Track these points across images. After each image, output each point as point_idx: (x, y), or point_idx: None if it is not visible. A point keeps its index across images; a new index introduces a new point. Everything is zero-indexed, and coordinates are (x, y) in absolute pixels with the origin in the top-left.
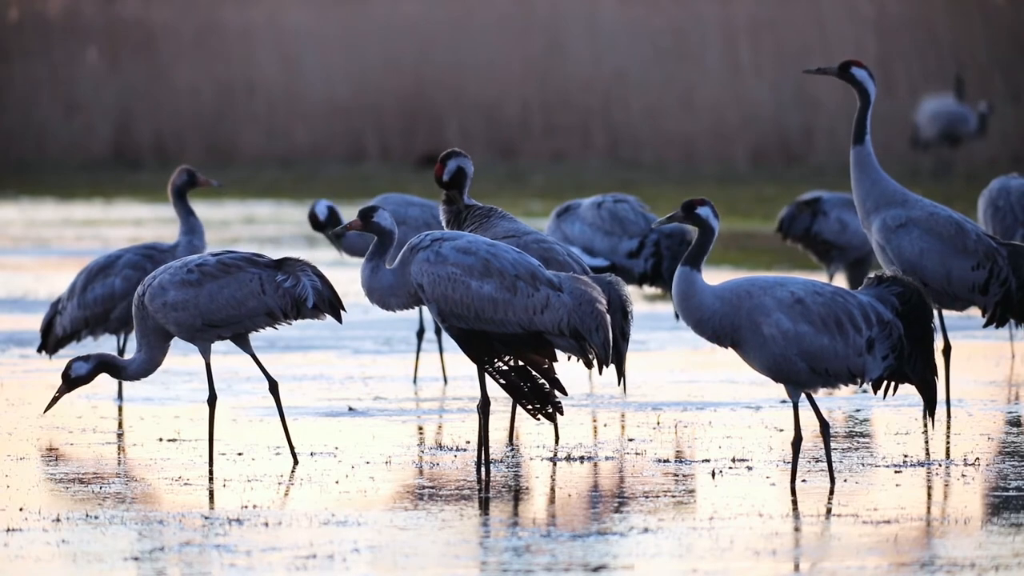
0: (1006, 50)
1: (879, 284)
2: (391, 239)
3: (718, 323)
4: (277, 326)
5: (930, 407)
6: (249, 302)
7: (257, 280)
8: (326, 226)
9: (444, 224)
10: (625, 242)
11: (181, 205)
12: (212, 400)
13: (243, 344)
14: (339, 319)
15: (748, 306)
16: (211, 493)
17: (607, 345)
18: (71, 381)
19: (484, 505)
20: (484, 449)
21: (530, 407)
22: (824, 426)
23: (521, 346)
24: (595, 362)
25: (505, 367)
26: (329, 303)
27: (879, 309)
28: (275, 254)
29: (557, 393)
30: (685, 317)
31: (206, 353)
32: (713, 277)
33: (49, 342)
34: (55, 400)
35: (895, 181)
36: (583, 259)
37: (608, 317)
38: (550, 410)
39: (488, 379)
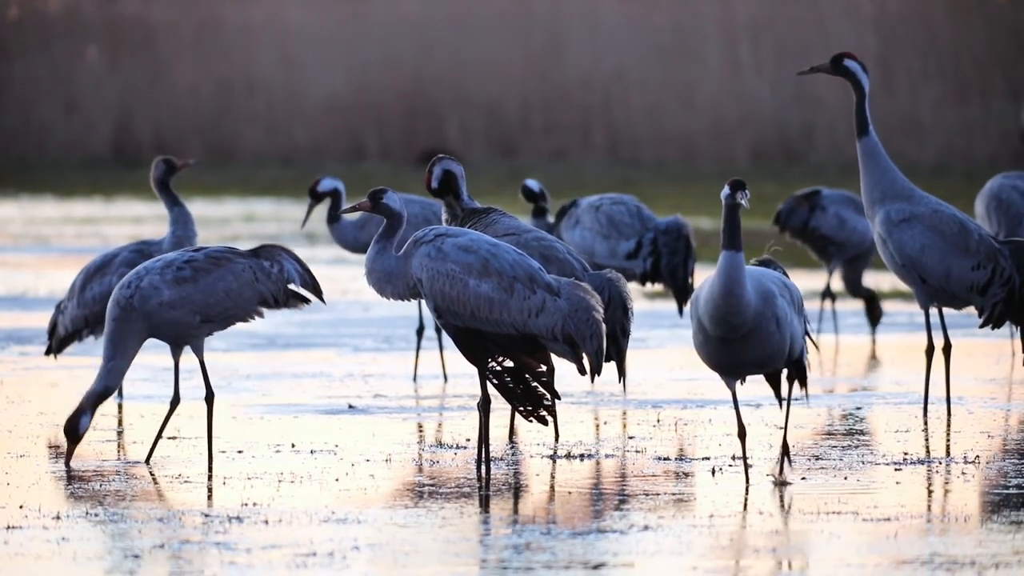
0: (1006, 49)
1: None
2: (400, 221)
3: (754, 309)
4: (265, 314)
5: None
6: (245, 292)
7: (250, 270)
8: (322, 197)
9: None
10: (623, 244)
11: (166, 196)
12: (210, 398)
13: (176, 350)
14: (322, 299)
15: (763, 291)
16: (210, 491)
17: (600, 354)
18: (80, 437)
19: (484, 503)
20: (484, 447)
21: (521, 409)
22: (742, 431)
23: (515, 348)
24: (587, 369)
25: (499, 368)
26: (312, 284)
27: None
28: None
29: (550, 397)
30: (731, 305)
31: (199, 351)
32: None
33: (53, 343)
34: (70, 455)
35: (903, 175)
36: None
37: (604, 326)
38: (542, 413)
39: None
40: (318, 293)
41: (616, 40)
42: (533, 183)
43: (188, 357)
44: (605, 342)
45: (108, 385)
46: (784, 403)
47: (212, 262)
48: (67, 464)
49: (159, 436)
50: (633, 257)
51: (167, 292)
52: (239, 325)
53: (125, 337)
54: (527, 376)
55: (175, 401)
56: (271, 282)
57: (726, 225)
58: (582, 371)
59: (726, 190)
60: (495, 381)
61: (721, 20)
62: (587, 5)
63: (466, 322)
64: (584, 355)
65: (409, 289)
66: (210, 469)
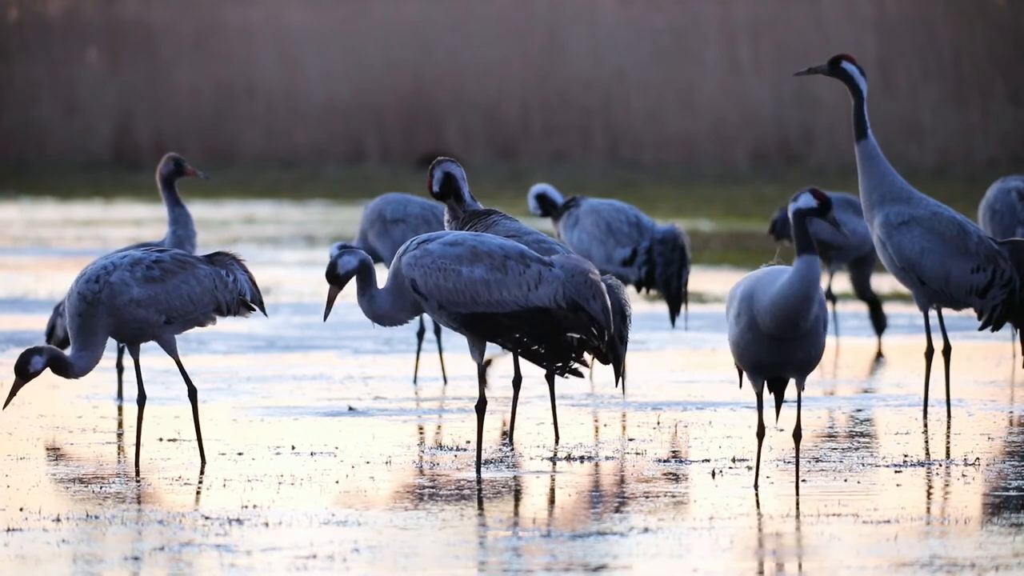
0: (1006, 50)
1: None
2: (366, 268)
3: (816, 311)
4: (217, 321)
5: None
6: (205, 298)
7: (210, 277)
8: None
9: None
10: (619, 250)
11: (169, 195)
12: (192, 393)
13: (135, 349)
14: (265, 313)
15: (819, 297)
16: (199, 492)
17: (607, 311)
18: (28, 375)
19: (484, 505)
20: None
21: (554, 367)
22: (761, 431)
23: (529, 330)
24: (598, 333)
25: (517, 335)
26: (258, 298)
27: None
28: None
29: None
30: (804, 307)
31: (173, 351)
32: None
33: (52, 345)
34: (13, 394)
35: (902, 178)
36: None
37: (603, 285)
38: (575, 366)
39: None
40: (262, 307)
41: (616, 42)
42: (534, 202)
43: (196, 360)
44: (608, 300)
45: (77, 365)
46: (793, 406)
47: (178, 264)
48: (5, 403)
49: (139, 437)
50: (628, 264)
51: (136, 290)
52: (217, 328)
53: (92, 331)
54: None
55: (141, 400)
56: (227, 291)
57: (798, 233)
58: (592, 338)
59: (809, 202)
60: (517, 349)
61: (721, 22)
62: (587, 6)
63: (470, 309)
64: (592, 317)
65: (415, 305)
66: (203, 463)
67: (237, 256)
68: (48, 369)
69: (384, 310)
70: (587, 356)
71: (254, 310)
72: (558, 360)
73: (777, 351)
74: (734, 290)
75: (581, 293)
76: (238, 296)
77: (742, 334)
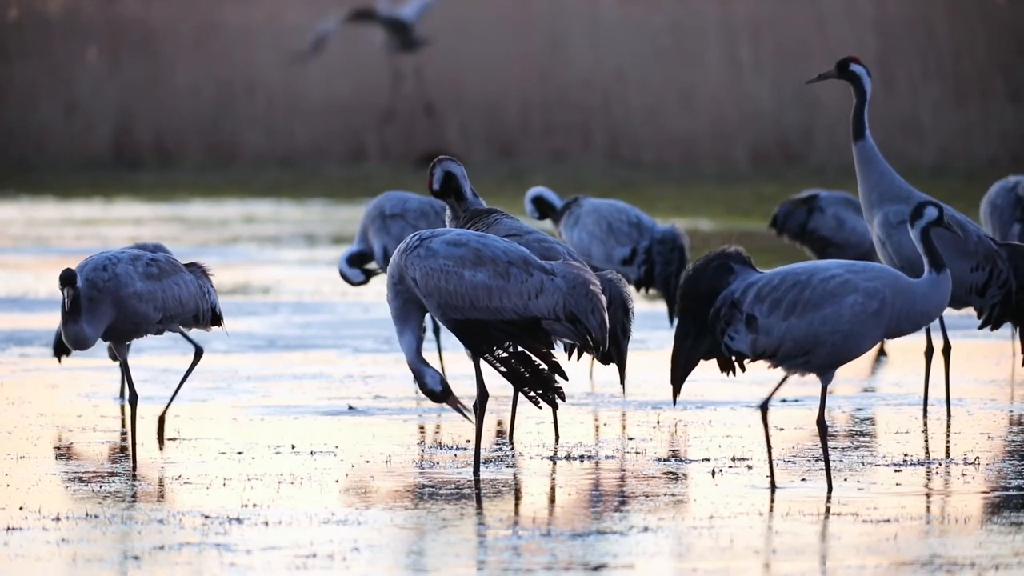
0: (1006, 50)
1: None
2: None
3: None
4: (191, 331)
5: None
6: (190, 303)
7: (194, 283)
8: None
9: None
10: (618, 249)
11: None
12: (133, 400)
13: (122, 349)
14: (223, 326)
15: None
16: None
17: (603, 327)
18: (75, 285)
19: (484, 504)
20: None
21: (532, 394)
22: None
23: (519, 333)
24: (593, 344)
25: (504, 354)
26: (220, 312)
27: None
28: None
29: (558, 379)
30: (935, 316)
31: (173, 330)
32: None
33: (57, 345)
34: (64, 304)
35: (901, 177)
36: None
37: (603, 298)
38: (551, 396)
39: (486, 378)
40: (221, 321)
41: (616, 41)
42: (531, 206)
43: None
44: (607, 314)
45: (87, 327)
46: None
47: (171, 266)
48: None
49: (134, 437)
50: (628, 263)
51: (139, 284)
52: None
53: (100, 316)
54: (533, 359)
55: (133, 400)
56: (204, 300)
57: (928, 248)
58: (588, 348)
59: (933, 214)
60: (502, 368)
61: (721, 21)
62: (587, 6)
63: (466, 314)
64: (587, 331)
65: (418, 301)
66: (168, 408)
67: (207, 269)
68: (61, 324)
69: (411, 339)
70: (560, 382)
71: (217, 324)
72: (539, 388)
73: (875, 341)
74: (808, 279)
75: (580, 307)
76: (210, 307)
77: (865, 324)
